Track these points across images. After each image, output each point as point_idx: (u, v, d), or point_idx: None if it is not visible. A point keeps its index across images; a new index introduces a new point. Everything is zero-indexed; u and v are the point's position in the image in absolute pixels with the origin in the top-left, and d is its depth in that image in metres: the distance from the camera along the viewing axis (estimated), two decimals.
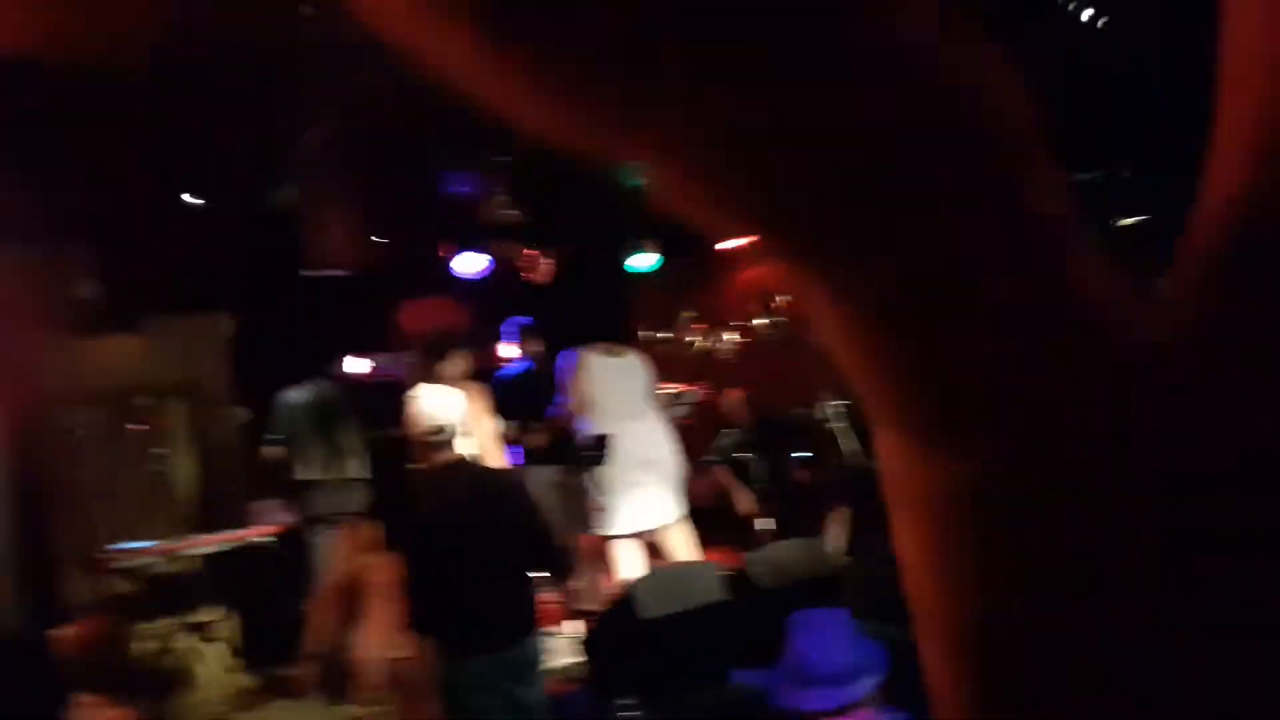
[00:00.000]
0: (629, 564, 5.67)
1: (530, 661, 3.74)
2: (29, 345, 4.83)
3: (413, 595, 3.58)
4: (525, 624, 3.73)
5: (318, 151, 5.57)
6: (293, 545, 6.26)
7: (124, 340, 6.30)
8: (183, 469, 6.90)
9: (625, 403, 5.79)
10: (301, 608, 6.22)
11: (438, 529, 3.65)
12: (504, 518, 3.72)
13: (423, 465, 3.80)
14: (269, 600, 6.39)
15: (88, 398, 6.26)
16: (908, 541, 0.31)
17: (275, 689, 6.02)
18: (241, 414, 6.88)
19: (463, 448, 3.78)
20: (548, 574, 3.95)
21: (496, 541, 3.65)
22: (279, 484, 6.19)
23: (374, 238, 6.70)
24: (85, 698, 3.51)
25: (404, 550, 3.63)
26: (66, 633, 3.41)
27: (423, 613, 3.57)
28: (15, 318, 4.44)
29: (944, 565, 0.30)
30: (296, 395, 6.19)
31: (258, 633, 6.37)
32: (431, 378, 4.99)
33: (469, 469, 3.82)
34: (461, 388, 4.60)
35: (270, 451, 6.02)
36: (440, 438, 3.69)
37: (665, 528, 5.79)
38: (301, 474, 6.01)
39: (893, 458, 0.31)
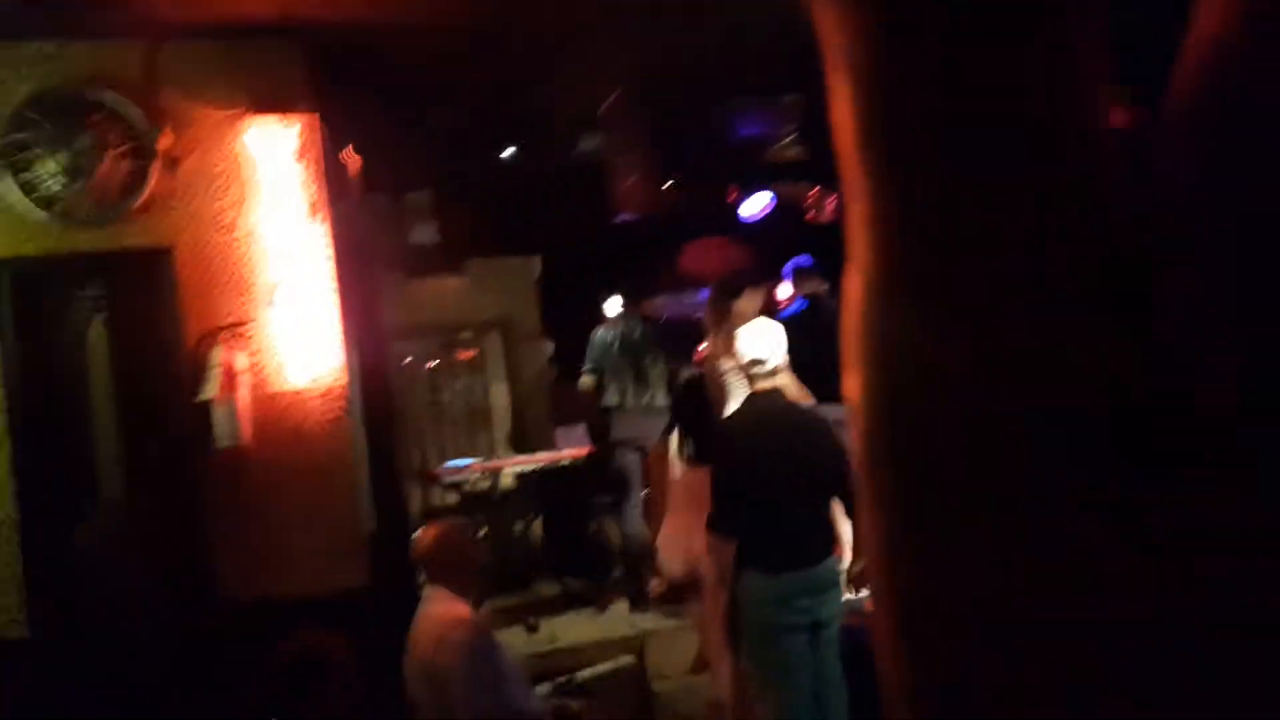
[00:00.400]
0: None
1: (830, 581, 3.93)
2: (378, 283, 5.43)
3: (724, 513, 3.87)
4: (825, 547, 3.93)
5: (618, 104, 5.88)
6: (597, 467, 6.75)
7: (450, 281, 7.00)
8: (499, 395, 7.61)
9: None
10: (602, 525, 6.74)
11: (755, 454, 3.90)
12: (814, 447, 3.90)
13: (738, 395, 4.04)
14: (573, 516, 6.96)
15: (420, 331, 7.04)
16: (855, 393, 0.31)
17: (579, 598, 6.51)
18: (549, 347, 7.48)
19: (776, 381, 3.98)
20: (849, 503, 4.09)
21: (806, 468, 3.87)
22: (590, 410, 6.70)
23: (667, 183, 6.98)
24: (435, 590, 3.97)
25: (720, 471, 3.92)
26: (421, 534, 3.93)
27: (735, 530, 3.85)
28: (366, 258, 5.02)
29: (888, 432, 0.30)
30: (607, 330, 6.65)
31: (562, 545, 6.96)
32: (725, 315, 5.23)
33: (781, 401, 4.00)
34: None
35: (585, 381, 6.52)
36: (759, 370, 3.92)
37: None
38: (611, 401, 6.48)
39: (855, 305, 0.31)
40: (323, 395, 4.34)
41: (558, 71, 5.27)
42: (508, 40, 4.78)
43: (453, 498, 6.98)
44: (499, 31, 4.64)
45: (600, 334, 6.65)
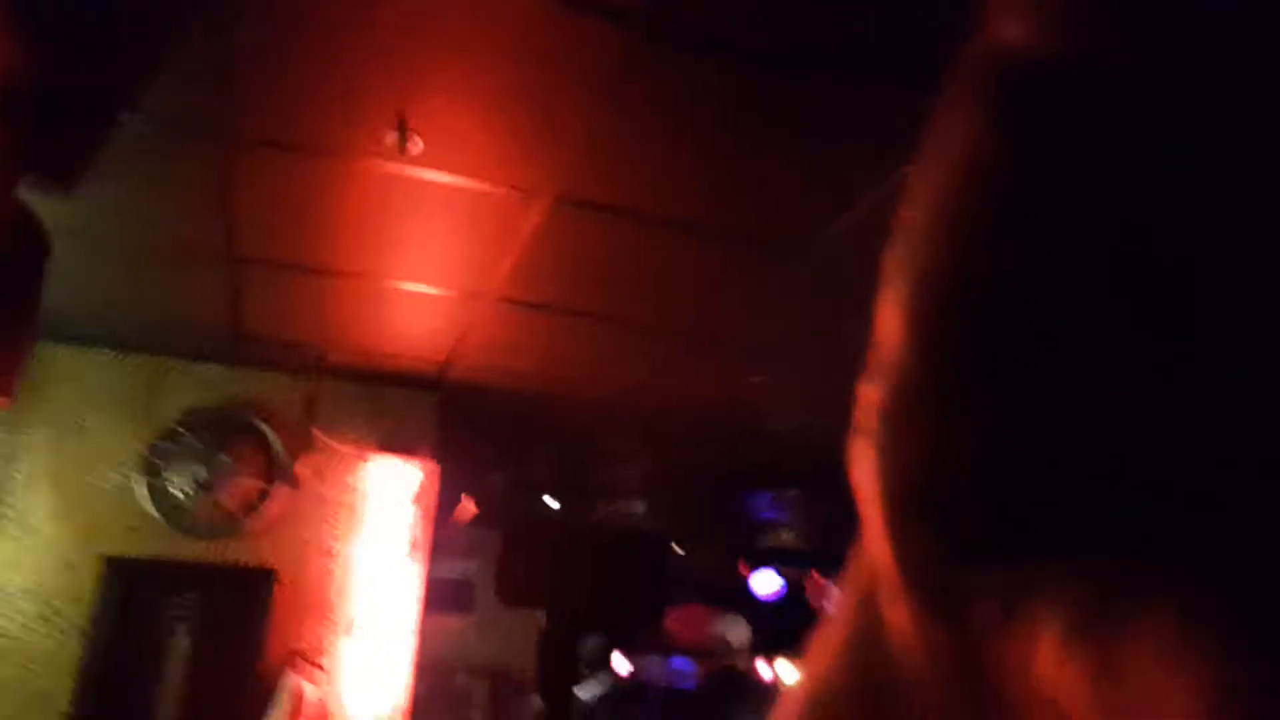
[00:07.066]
0: None
1: None
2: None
3: None
4: None
5: (650, 481, 6.28)
6: None
7: (455, 619, 6.98)
8: None
9: None
10: None
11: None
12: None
13: None
14: None
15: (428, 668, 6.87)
16: None
17: None
18: (537, 702, 7.31)
19: None
20: None
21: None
22: None
23: (682, 549, 7.28)
24: None
25: None
26: None
27: None
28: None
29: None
30: (595, 688, 6.30)
31: None
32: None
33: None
34: None
35: None
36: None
37: None
38: None
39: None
40: None
41: (620, 444, 5.69)
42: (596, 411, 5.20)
43: None
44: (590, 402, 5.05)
45: (589, 690, 6.19)
